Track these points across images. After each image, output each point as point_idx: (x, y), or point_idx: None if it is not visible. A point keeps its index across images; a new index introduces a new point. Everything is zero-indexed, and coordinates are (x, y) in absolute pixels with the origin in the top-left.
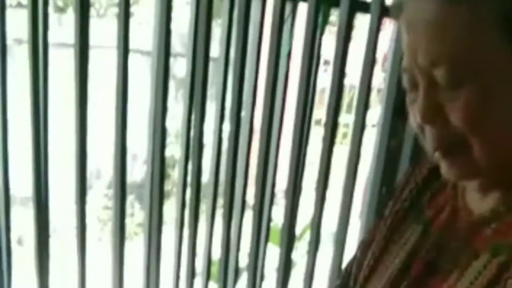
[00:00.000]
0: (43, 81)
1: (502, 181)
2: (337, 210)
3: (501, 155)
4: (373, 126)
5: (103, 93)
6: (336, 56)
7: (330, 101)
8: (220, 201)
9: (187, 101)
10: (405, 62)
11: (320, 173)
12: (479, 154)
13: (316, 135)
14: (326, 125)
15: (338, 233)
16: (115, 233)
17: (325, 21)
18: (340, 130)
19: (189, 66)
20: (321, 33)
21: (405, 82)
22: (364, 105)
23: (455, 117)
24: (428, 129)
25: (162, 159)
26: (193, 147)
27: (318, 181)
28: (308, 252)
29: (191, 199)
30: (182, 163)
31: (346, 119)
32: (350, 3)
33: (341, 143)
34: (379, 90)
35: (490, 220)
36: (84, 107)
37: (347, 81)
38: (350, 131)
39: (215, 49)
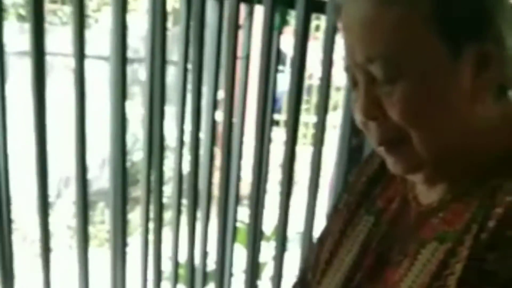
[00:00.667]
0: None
1: (446, 172)
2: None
3: (440, 147)
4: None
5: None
6: (294, 57)
7: (290, 102)
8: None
9: (148, 105)
10: (345, 61)
11: (283, 173)
12: (419, 146)
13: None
14: (287, 125)
15: (304, 232)
16: (80, 240)
17: (283, 23)
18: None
19: (148, 70)
20: (279, 35)
21: (348, 81)
22: (324, 105)
23: (392, 112)
24: (370, 125)
25: (124, 164)
26: (154, 151)
27: (282, 182)
28: (275, 252)
29: (155, 203)
30: (145, 167)
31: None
32: (306, 4)
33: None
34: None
35: (438, 210)
36: (42, 114)
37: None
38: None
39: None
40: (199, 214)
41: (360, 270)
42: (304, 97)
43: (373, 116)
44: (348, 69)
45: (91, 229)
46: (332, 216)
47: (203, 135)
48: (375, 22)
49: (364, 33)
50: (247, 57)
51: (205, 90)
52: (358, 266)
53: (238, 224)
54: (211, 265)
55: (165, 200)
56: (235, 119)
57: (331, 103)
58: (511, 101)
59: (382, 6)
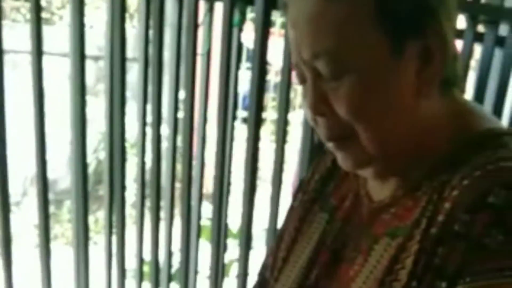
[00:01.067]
0: None
1: (395, 167)
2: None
3: (387, 142)
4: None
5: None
6: (254, 54)
7: (251, 98)
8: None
9: (108, 103)
10: (293, 58)
11: (246, 171)
12: (366, 142)
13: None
14: (248, 122)
15: (269, 230)
16: (41, 238)
17: (242, 19)
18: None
19: (108, 68)
20: (239, 31)
21: (296, 77)
22: (285, 102)
23: (339, 107)
24: (319, 120)
25: (84, 163)
26: (116, 150)
27: (245, 179)
28: (239, 250)
29: (117, 201)
30: (107, 166)
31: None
32: (265, 0)
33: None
34: None
35: (389, 206)
36: (2, 113)
37: None
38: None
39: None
40: (164, 212)
41: (315, 267)
42: (273, 94)
43: (321, 112)
44: (296, 65)
45: (58, 228)
46: (288, 214)
47: (165, 132)
48: (320, 18)
49: (309, 29)
50: (207, 54)
51: (166, 87)
52: (314, 263)
53: (206, 222)
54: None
55: (132, 198)
56: (197, 116)
57: (298, 100)
58: (455, 97)
59: (327, 2)
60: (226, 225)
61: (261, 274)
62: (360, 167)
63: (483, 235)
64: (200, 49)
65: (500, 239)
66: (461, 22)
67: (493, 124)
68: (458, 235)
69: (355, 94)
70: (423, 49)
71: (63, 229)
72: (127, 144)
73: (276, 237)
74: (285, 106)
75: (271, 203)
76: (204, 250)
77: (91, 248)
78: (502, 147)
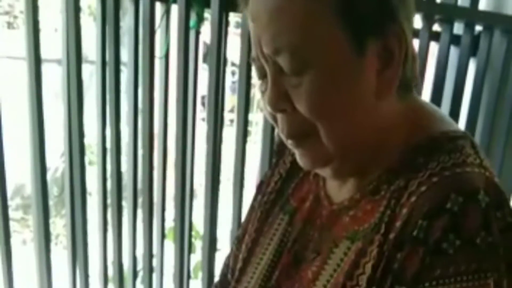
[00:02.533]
0: None
1: (354, 168)
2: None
3: (346, 140)
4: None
5: None
6: (210, 57)
7: (209, 100)
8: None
9: (66, 107)
10: (253, 52)
11: (206, 172)
12: (326, 139)
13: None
14: (208, 123)
15: (232, 230)
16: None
17: (199, 22)
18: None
19: (64, 71)
20: (197, 34)
21: (256, 72)
22: (245, 102)
23: (299, 104)
24: (279, 117)
25: (43, 168)
26: (74, 152)
27: (206, 180)
28: (202, 251)
29: (78, 205)
30: (68, 170)
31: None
32: (221, 3)
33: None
34: None
35: (348, 208)
36: None
37: None
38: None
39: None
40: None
41: (277, 269)
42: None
43: (281, 108)
44: (255, 59)
45: (28, 233)
46: (248, 214)
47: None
48: (281, 13)
49: (270, 23)
50: (166, 57)
51: (124, 90)
52: (275, 264)
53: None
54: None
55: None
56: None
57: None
58: (413, 99)
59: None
60: (190, 226)
61: (223, 274)
62: (319, 165)
63: (441, 240)
64: (158, 52)
65: (457, 244)
66: (417, 21)
67: (448, 127)
68: (417, 241)
69: (317, 92)
70: (383, 49)
71: (32, 234)
72: (90, 148)
73: (235, 238)
74: (244, 106)
75: (233, 204)
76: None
77: (60, 251)
78: (457, 151)
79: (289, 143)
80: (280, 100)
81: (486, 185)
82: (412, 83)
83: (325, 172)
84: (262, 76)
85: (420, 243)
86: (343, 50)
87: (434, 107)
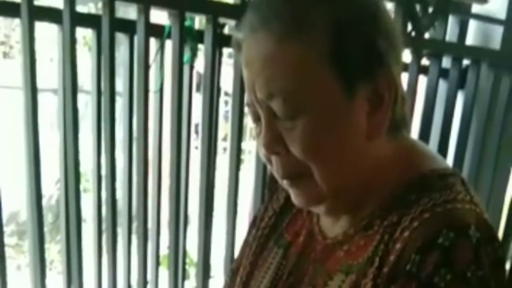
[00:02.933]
0: None
1: (347, 205)
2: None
3: (339, 180)
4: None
5: None
6: (204, 92)
7: (203, 131)
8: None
9: (62, 135)
10: (247, 97)
11: (200, 200)
12: (320, 180)
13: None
14: (202, 153)
15: (226, 258)
16: None
17: (193, 57)
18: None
19: (60, 101)
20: (191, 68)
21: (250, 116)
22: (238, 131)
23: (293, 147)
24: (274, 159)
25: (39, 194)
26: (69, 181)
27: (200, 207)
28: (196, 279)
29: (72, 232)
30: (63, 197)
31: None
32: (213, 39)
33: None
34: None
35: (342, 243)
36: None
37: None
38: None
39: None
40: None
41: None
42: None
43: (275, 151)
44: (249, 104)
45: (23, 259)
46: (243, 248)
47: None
48: (274, 59)
49: (264, 69)
50: (160, 91)
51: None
52: None
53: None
54: None
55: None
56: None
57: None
58: (403, 138)
59: (281, 43)
60: (184, 253)
61: None
62: (313, 204)
63: (433, 274)
64: (152, 86)
65: (448, 278)
66: (406, 56)
67: (438, 165)
68: (410, 275)
69: (309, 135)
70: (373, 93)
71: (27, 260)
72: (85, 176)
73: (229, 270)
74: (237, 134)
75: (227, 231)
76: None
77: (54, 276)
78: (448, 189)
79: (283, 182)
80: (274, 143)
81: (476, 220)
82: (402, 123)
83: (319, 209)
84: (257, 119)
85: (413, 277)
86: (334, 95)
87: (424, 145)
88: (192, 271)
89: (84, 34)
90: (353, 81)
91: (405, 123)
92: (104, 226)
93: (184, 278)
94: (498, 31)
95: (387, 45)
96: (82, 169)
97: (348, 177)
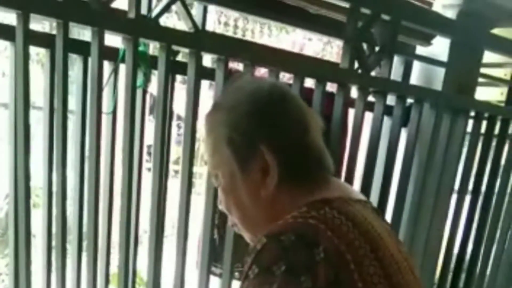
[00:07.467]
0: None
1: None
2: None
3: (246, 221)
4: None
5: None
6: (157, 119)
7: (155, 156)
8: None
9: (13, 150)
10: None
11: (151, 224)
12: (240, 227)
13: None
14: (153, 176)
15: (176, 278)
16: None
17: (146, 81)
18: None
19: (11, 116)
20: (144, 93)
21: (214, 180)
22: (189, 155)
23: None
24: None
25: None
26: (19, 199)
27: (151, 227)
28: None
29: (20, 247)
30: (12, 213)
31: None
32: (166, 65)
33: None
34: None
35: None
36: None
37: None
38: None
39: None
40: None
41: None
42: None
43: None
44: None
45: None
46: None
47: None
48: (205, 144)
49: (205, 146)
50: (113, 113)
51: (71, 144)
52: None
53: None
54: None
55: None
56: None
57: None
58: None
59: (207, 133)
60: (134, 272)
61: None
62: (243, 233)
63: (248, 269)
64: (105, 107)
65: (255, 272)
66: (354, 92)
67: (324, 195)
68: (245, 273)
69: (225, 198)
70: (262, 166)
71: None
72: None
73: None
74: (189, 158)
75: (177, 252)
76: None
77: None
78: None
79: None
80: (220, 203)
81: (301, 230)
82: (303, 173)
83: (246, 237)
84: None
85: (245, 274)
86: (235, 170)
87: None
88: None
89: (38, 51)
90: (244, 160)
91: (309, 171)
92: (54, 242)
93: None
94: (440, 73)
95: (267, 132)
96: (32, 184)
97: (257, 221)
